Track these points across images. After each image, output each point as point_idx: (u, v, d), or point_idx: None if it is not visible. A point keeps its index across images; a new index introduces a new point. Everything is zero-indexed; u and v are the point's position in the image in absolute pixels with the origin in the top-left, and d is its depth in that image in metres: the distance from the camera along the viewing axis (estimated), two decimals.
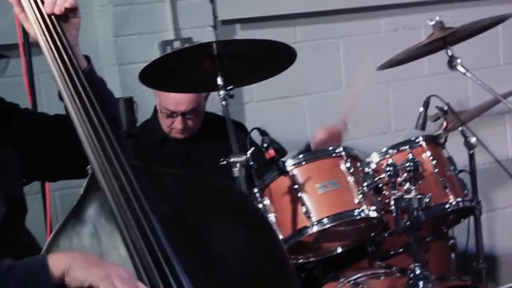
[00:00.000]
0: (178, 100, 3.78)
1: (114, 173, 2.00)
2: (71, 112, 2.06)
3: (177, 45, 4.24)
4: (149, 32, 4.27)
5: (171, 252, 1.96)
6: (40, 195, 3.45)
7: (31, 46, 3.32)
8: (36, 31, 2.14)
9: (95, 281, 1.88)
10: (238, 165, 3.01)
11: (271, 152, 3.24)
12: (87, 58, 2.26)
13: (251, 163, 3.09)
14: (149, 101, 4.03)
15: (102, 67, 3.98)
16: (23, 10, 2.16)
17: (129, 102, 3.22)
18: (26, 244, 2.28)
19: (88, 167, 2.03)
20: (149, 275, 1.94)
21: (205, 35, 4.31)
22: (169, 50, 4.13)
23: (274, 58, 3.28)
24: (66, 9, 2.15)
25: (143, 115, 3.88)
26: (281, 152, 3.31)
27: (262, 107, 4.62)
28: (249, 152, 3.05)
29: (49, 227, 3.22)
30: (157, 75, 3.28)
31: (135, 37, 4.25)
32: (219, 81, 3.13)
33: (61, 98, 2.18)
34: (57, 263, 1.89)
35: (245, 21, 4.56)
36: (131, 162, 2.04)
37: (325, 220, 3.29)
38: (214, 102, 4.04)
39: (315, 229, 3.29)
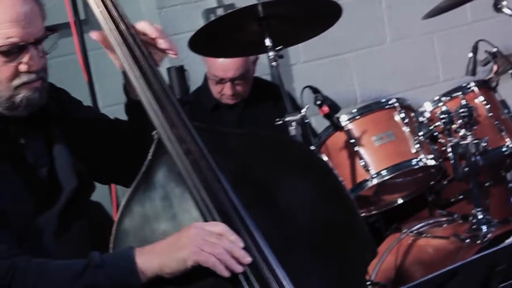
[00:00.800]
0: (226, 67, 3.81)
1: (179, 136, 2.04)
2: (132, 81, 2.10)
3: (220, 12, 4.25)
4: (192, 1, 4.29)
5: (241, 209, 2.00)
6: None
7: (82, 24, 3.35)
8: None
9: (193, 263, 1.94)
10: (294, 123, 3.02)
11: (325, 108, 3.24)
12: None
13: (307, 120, 3.10)
14: (197, 71, 4.05)
15: None
16: None
17: (180, 70, 3.22)
18: (97, 214, 2.33)
19: (154, 132, 2.07)
20: None
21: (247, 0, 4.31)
22: (212, 18, 4.14)
23: (320, 15, 3.26)
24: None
25: (192, 84, 3.91)
26: (335, 108, 3.31)
27: (309, 67, 4.62)
28: (303, 110, 3.05)
29: (115, 200, 3.25)
30: (206, 41, 3.29)
31: (178, 8, 4.27)
32: (267, 42, 3.11)
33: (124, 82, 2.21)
34: (146, 266, 1.94)
35: None
36: (195, 123, 2.07)
37: (384, 172, 3.31)
38: (261, 66, 4.06)
39: (374, 181, 3.31)
